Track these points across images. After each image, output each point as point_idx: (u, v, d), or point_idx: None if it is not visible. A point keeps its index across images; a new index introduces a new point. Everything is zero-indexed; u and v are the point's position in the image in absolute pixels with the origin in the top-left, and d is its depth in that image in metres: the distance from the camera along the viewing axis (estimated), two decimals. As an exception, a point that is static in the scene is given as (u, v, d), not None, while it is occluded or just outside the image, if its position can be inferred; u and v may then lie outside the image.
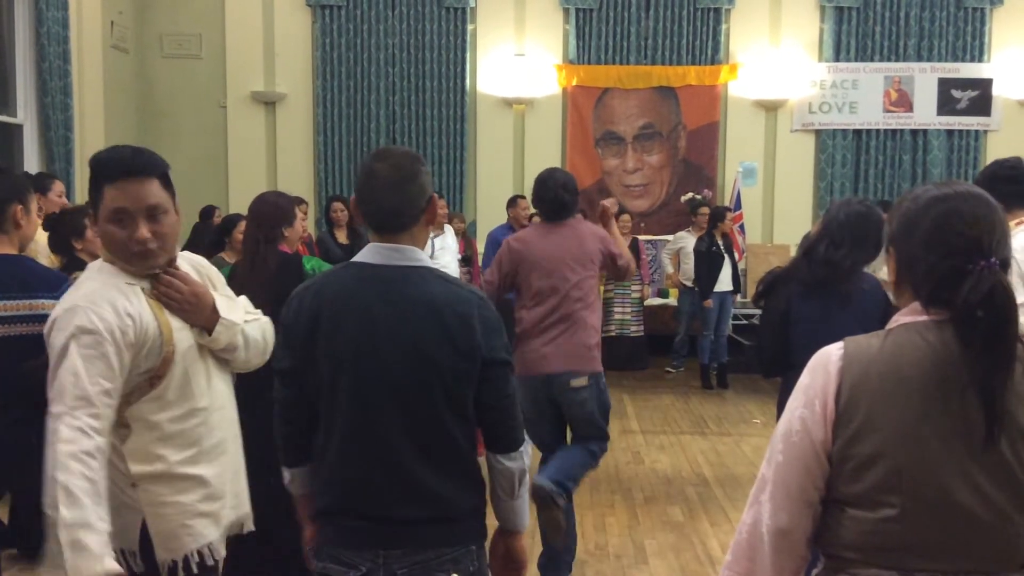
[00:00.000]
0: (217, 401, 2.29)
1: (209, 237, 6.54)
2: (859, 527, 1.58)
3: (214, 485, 2.25)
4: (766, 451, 1.69)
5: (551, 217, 4.33)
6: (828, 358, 1.62)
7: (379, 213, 2.11)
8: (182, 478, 2.18)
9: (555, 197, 4.28)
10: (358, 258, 2.15)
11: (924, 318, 1.59)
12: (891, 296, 1.83)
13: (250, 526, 2.44)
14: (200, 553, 2.21)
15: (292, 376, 2.14)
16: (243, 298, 2.47)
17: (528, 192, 9.84)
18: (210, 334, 2.25)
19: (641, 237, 9.53)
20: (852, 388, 1.57)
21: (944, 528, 1.53)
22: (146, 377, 2.13)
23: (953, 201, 1.59)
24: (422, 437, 2.07)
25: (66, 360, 2.01)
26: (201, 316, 2.24)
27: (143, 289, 2.17)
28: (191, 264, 2.33)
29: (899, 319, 1.63)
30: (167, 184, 2.19)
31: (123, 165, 2.12)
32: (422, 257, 2.14)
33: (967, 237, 1.55)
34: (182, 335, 2.20)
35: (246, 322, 2.39)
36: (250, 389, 2.61)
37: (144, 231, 2.12)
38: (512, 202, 8.47)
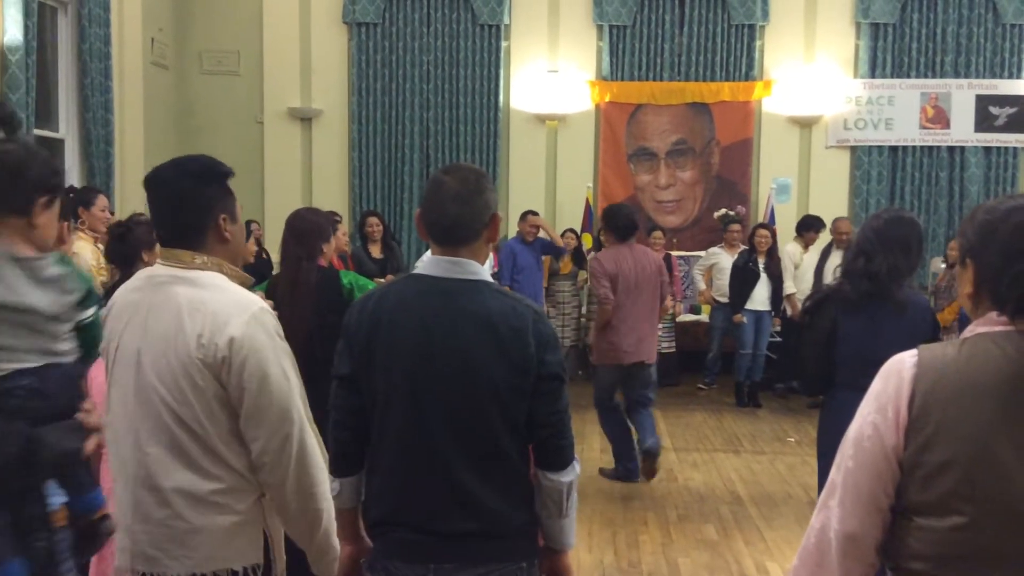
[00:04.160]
0: None
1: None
2: (928, 536, 1.57)
3: None
4: (837, 457, 1.68)
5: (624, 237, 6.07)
6: (902, 364, 1.62)
7: (443, 224, 2.12)
8: None
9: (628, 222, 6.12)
10: (418, 270, 2.19)
11: (1000, 328, 1.58)
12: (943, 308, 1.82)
13: None
14: None
15: (351, 382, 2.15)
16: None
17: (559, 207, 10.12)
18: None
19: (674, 253, 9.51)
20: (925, 395, 1.57)
21: (1016, 538, 1.51)
22: None
23: None
24: (475, 450, 2.07)
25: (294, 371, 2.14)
26: None
27: None
28: None
29: (975, 329, 1.62)
30: None
31: None
32: (480, 271, 2.15)
33: None
34: None
35: None
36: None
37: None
38: (522, 217, 8.84)
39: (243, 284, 2.20)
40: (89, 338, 2.76)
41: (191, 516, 2.05)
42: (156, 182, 2.15)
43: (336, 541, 2.18)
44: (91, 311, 2.77)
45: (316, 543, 2.15)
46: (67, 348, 2.48)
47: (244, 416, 2.04)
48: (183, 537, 2.05)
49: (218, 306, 2.04)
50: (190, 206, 2.12)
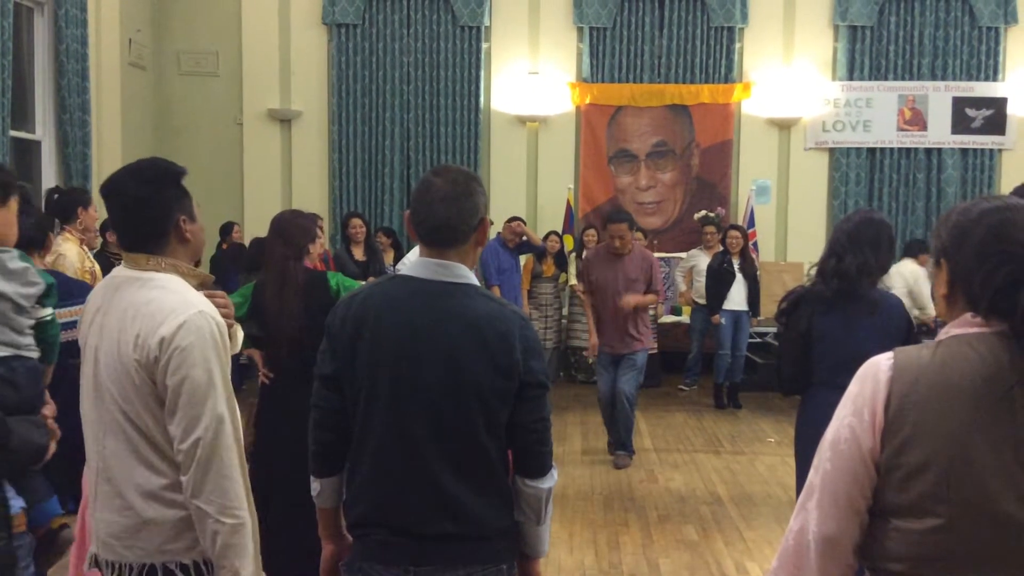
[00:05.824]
0: None
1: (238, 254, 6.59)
2: (905, 538, 1.58)
3: None
4: (815, 459, 1.69)
5: None
6: (878, 367, 1.62)
7: (431, 225, 2.11)
8: None
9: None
10: (406, 271, 2.17)
11: (974, 330, 1.59)
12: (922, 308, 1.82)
13: None
14: None
15: (333, 382, 2.14)
16: None
17: (540, 209, 10.10)
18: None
19: (655, 255, 9.51)
20: (901, 397, 1.58)
21: (991, 539, 1.52)
22: None
23: (1007, 212, 1.60)
24: (456, 452, 2.06)
25: (223, 377, 2.11)
26: None
27: None
28: None
29: (949, 330, 1.63)
30: None
31: None
32: (467, 274, 2.14)
33: None
34: None
35: None
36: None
37: None
38: (507, 222, 8.77)
39: (203, 283, 2.23)
40: (48, 337, 2.82)
41: (142, 508, 2.09)
42: (113, 192, 2.16)
43: (240, 566, 2.06)
44: (49, 310, 2.83)
45: (215, 557, 2.07)
46: (30, 343, 2.59)
47: (165, 413, 2.07)
48: (135, 529, 2.10)
49: (157, 307, 2.07)
50: (149, 213, 2.14)
